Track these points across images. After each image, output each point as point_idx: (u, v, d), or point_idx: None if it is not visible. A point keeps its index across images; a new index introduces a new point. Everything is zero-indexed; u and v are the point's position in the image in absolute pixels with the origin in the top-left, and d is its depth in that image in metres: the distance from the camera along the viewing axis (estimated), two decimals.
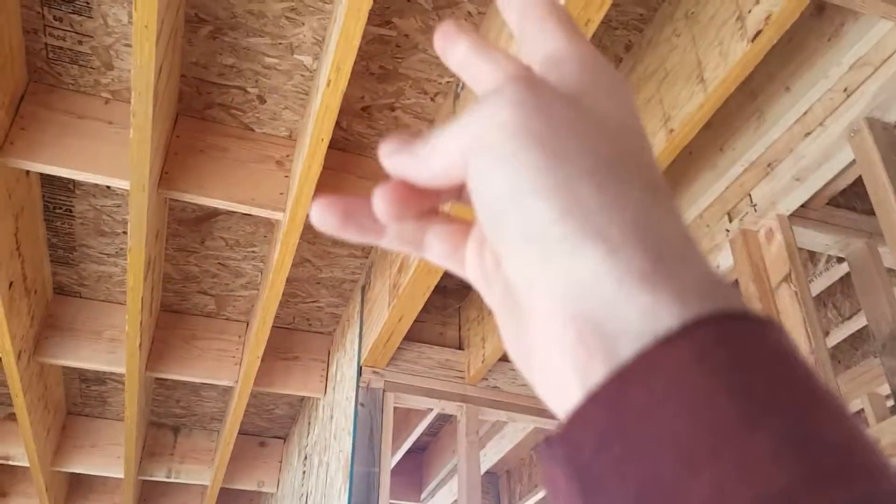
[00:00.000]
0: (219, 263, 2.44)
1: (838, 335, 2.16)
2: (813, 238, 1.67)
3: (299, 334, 2.83)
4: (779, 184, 1.56)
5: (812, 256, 1.89)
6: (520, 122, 0.26)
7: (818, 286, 1.95)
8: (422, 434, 3.25)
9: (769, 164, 1.58)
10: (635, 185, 0.25)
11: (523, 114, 0.26)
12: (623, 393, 0.22)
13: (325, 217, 0.31)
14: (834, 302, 2.13)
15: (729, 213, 1.65)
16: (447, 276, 2.47)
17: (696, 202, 1.69)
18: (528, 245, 0.25)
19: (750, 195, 1.61)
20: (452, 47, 0.32)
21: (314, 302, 2.65)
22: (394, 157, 0.29)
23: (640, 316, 0.23)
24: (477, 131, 0.26)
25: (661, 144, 1.43)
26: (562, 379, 0.24)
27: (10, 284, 2.03)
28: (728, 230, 1.65)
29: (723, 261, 1.68)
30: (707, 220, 1.72)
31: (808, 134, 1.53)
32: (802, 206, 1.62)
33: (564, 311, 0.24)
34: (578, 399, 0.23)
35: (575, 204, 0.24)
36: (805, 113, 1.53)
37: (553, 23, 0.30)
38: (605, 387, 0.22)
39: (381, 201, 0.29)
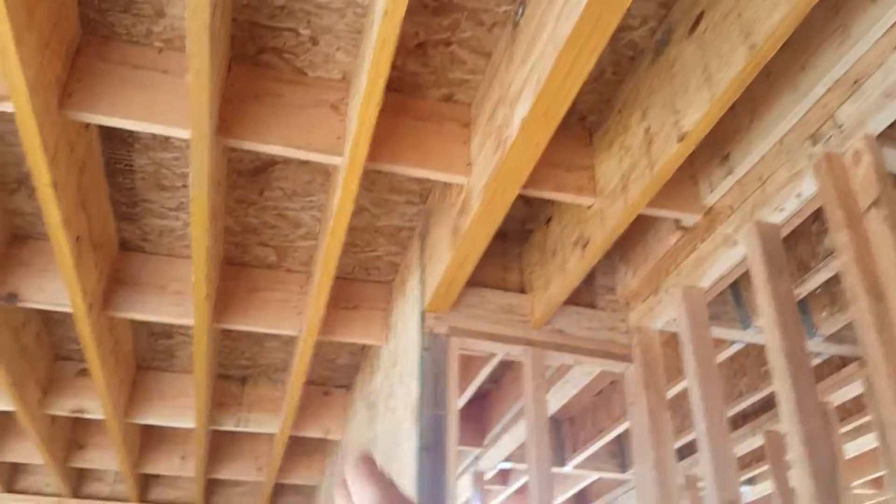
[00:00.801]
0: (277, 214, 2.43)
1: None
2: None
3: (358, 284, 2.82)
4: (866, 102, 1.46)
5: None
6: None
7: None
8: (483, 381, 3.25)
9: (855, 82, 1.48)
10: None
11: None
12: None
13: None
14: None
15: (812, 137, 1.56)
16: (507, 220, 2.42)
17: (777, 127, 1.60)
18: None
19: (834, 116, 1.51)
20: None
21: (372, 251, 2.63)
22: None
23: None
24: None
25: (741, 63, 1.34)
26: None
27: (77, 238, 2.05)
28: (811, 155, 1.56)
29: (806, 188, 1.59)
30: (788, 145, 1.62)
31: None
32: (891, 126, 1.52)
33: None
34: None
35: None
36: (893, 26, 1.42)
37: (372, 484, 0.46)
38: None
39: None
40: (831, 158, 1.51)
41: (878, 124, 1.46)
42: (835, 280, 2.33)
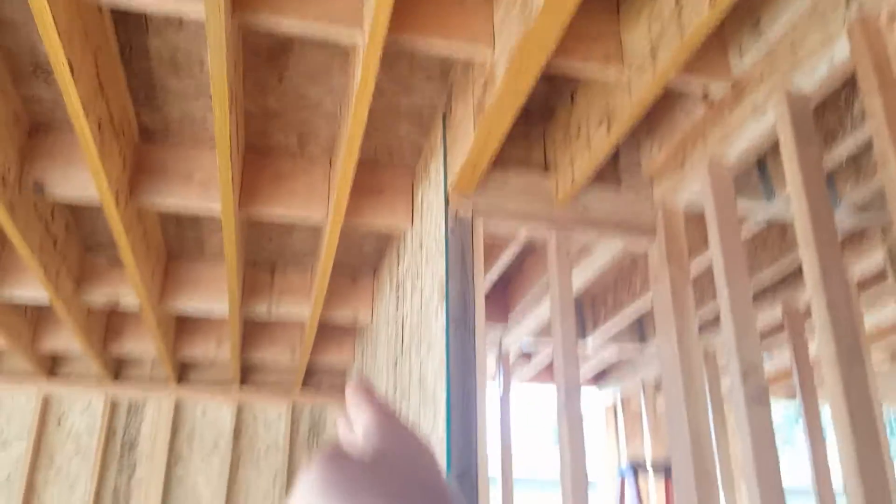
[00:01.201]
0: (297, 98, 2.41)
1: None
2: None
3: (381, 168, 2.82)
4: None
5: None
6: (324, 481, 0.37)
7: None
8: (506, 266, 3.29)
9: None
10: (415, 495, 0.37)
11: (325, 476, 0.37)
12: None
13: None
14: None
15: None
16: (530, 98, 2.38)
17: None
18: None
19: None
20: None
21: (394, 133, 2.62)
22: None
23: None
24: (301, 495, 0.37)
25: None
26: None
27: (99, 125, 2.06)
28: (845, 17, 1.50)
29: (838, 53, 1.54)
30: (821, 9, 1.56)
31: None
32: None
33: None
34: None
35: None
36: None
37: (366, 408, 0.45)
38: None
39: None
40: (865, 21, 1.46)
41: None
42: (861, 151, 2.29)
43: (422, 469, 0.40)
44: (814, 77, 1.63)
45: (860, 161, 2.31)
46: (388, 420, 0.44)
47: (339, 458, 0.38)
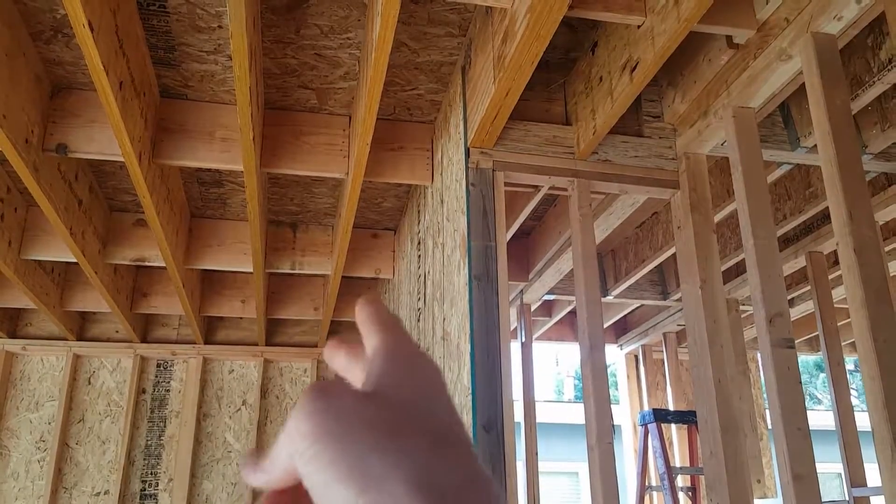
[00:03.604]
0: (315, 54, 2.40)
1: None
2: None
3: (401, 124, 2.82)
4: None
5: None
6: (315, 426, 0.31)
7: None
8: (527, 218, 3.29)
9: None
10: (420, 446, 0.31)
11: (317, 420, 0.32)
12: None
13: None
14: None
15: None
16: (550, 48, 2.36)
17: None
18: None
19: None
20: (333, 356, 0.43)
21: (413, 89, 2.61)
22: (248, 477, 0.35)
23: None
24: (290, 443, 0.32)
25: None
26: None
27: (121, 84, 2.07)
28: None
29: (849, 12, 1.51)
30: None
31: None
32: None
33: None
34: None
35: (367, 478, 0.29)
36: None
37: (376, 328, 0.39)
38: None
39: None
40: None
41: None
42: (886, 97, 2.26)
43: (433, 410, 0.34)
44: (840, 20, 1.60)
45: (886, 107, 2.27)
46: (398, 346, 0.38)
47: (331, 392, 0.33)
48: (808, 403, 15.71)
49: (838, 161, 1.55)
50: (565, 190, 2.36)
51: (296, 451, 0.32)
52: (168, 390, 4.76)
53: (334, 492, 0.30)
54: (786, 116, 2.32)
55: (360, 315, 0.41)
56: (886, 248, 3.17)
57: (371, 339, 0.39)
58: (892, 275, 3.49)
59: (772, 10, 1.76)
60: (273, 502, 0.35)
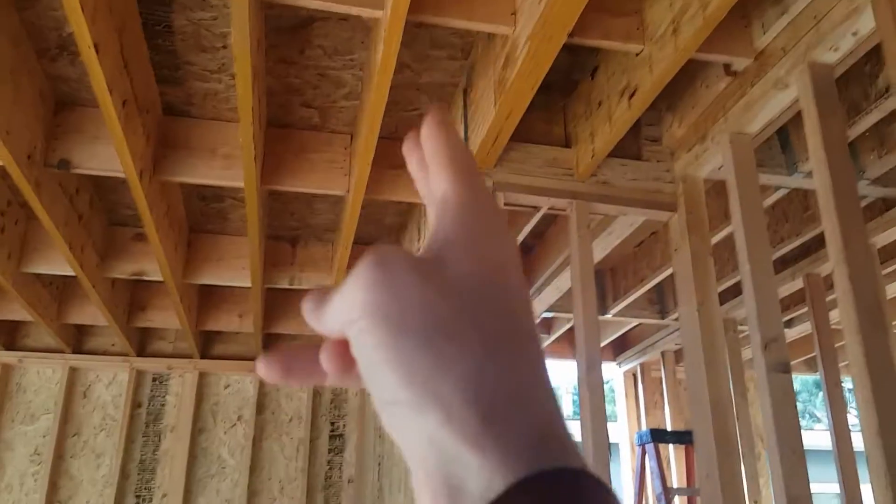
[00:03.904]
0: (318, 74, 2.43)
1: None
2: None
3: (402, 143, 2.84)
4: None
5: None
6: (370, 302, 0.29)
7: None
8: (527, 235, 3.31)
9: None
10: (474, 343, 0.28)
11: (372, 292, 0.29)
12: None
13: (269, 371, 0.35)
14: None
15: None
16: (551, 71, 2.38)
17: None
18: (388, 407, 0.28)
19: None
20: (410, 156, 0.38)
21: (415, 109, 2.63)
22: (308, 319, 0.33)
23: (475, 478, 0.25)
24: (345, 306, 0.30)
25: None
26: None
27: (124, 103, 2.09)
28: None
29: (863, 25, 1.54)
30: None
31: None
32: None
33: (420, 466, 0.27)
34: None
35: (415, 372, 0.27)
36: None
37: (448, 169, 0.34)
38: None
39: (325, 360, 0.32)
40: None
41: None
42: (884, 122, 2.28)
43: (499, 294, 0.30)
44: (837, 51, 1.63)
45: (883, 133, 2.30)
46: (474, 204, 0.33)
47: (392, 264, 0.30)
48: (807, 422, 15.72)
49: (834, 189, 1.57)
50: (564, 210, 2.38)
51: (347, 318, 0.30)
52: (163, 405, 4.76)
53: (378, 373, 0.28)
54: (784, 141, 2.34)
55: (430, 141, 0.35)
56: (885, 271, 3.19)
57: (441, 180, 0.34)
58: (890, 297, 3.52)
59: (769, 39, 1.79)
60: (331, 354, 0.33)
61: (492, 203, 0.34)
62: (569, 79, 2.43)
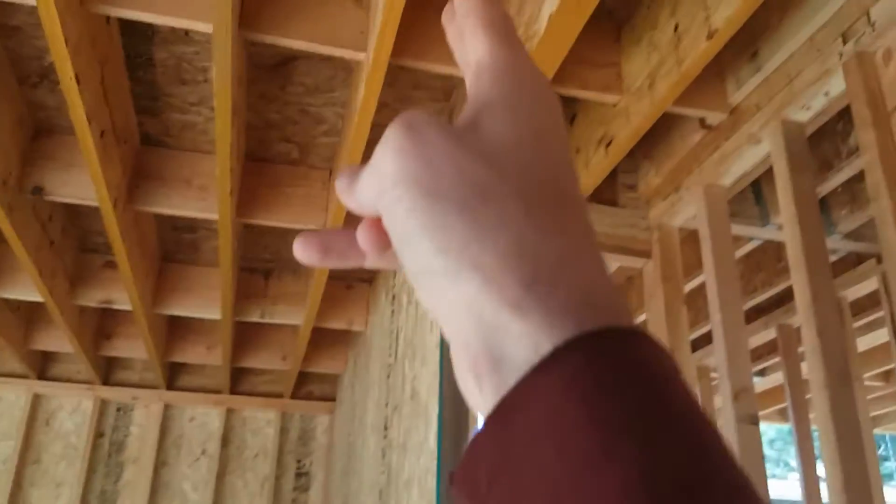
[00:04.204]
0: (299, 110, 2.43)
1: None
2: None
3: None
4: None
5: None
6: (400, 169, 0.27)
7: None
8: None
9: None
10: (513, 207, 0.26)
11: (403, 160, 0.28)
12: (506, 425, 0.23)
13: (306, 252, 0.34)
14: None
15: (843, 35, 1.53)
16: None
17: (809, 23, 1.57)
18: (422, 278, 0.27)
19: (868, 13, 1.48)
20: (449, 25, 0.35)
21: None
22: (341, 196, 0.32)
23: (516, 343, 0.24)
24: (375, 177, 0.29)
25: None
26: (478, 403, 0.25)
27: (102, 133, 2.08)
28: (841, 53, 1.54)
29: (834, 86, 1.58)
30: (818, 43, 1.60)
31: None
32: None
33: (457, 337, 0.26)
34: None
35: (451, 238, 0.26)
36: None
37: (483, 31, 0.31)
38: (491, 419, 0.23)
39: (362, 237, 0.32)
40: (862, 57, 1.49)
41: None
42: (856, 179, 2.33)
43: (540, 157, 0.28)
44: (809, 109, 1.67)
45: (855, 189, 2.34)
46: (513, 66, 0.31)
47: (423, 129, 0.28)
48: (782, 471, 15.77)
49: (803, 244, 1.59)
50: None
51: (379, 189, 0.29)
52: (127, 435, 4.66)
53: (411, 243, 0.27)
54: (757, 193, 2.38)
55: (464, 6, 0.33)
56: (856, 325, 3.24)
57: (478, 45, 0.32)
58: (863, 350, 3.56)
59: (744, 95, 1.83)
60: (368, 231, 0.32)
61: (531, 65, 0.31)
62: None
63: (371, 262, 0.34)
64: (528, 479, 0.22)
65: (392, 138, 0.29)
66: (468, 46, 0.32)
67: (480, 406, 0.25)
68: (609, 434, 0.21)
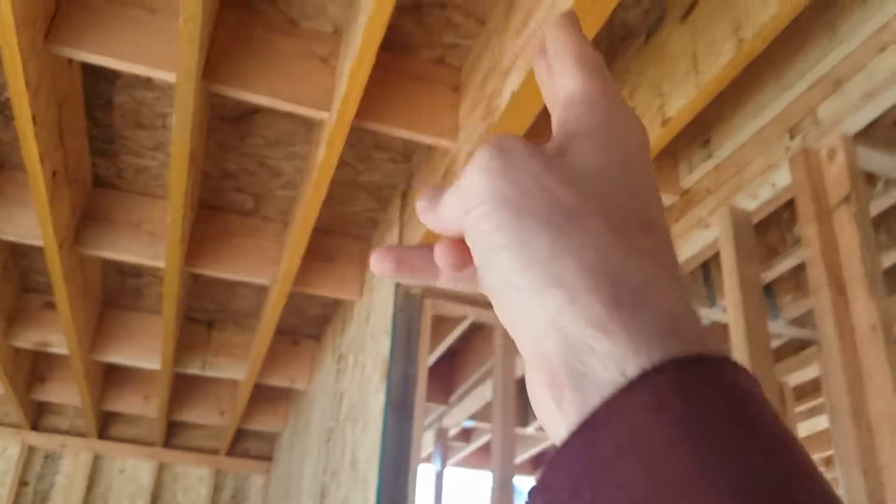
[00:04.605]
0: (258, 162, 2.43)
1: (889, 260, 2.13)
2: (876, 160, 1.61)
3: (336, 237, 2.83)
4: (846, 101, 1.50)
5: (870, 178, 1.83)
6: (489, 188, 0.28)
7: (873, 208, 1.90)
8: (454, 341, 3.30)
9: (838, 81, 1.51)
10: (599, 230, 0.27)
11: (492, 179, 0.28)
12: (591, 442, 0.23)
13: (381, 263, 0.35)
14: (888, 226, 2.08)
15: (791, 130, 1.60)
16: None
17: (758, 116, 1.63)
18: (504, 293, 0.28)
19: (815, 112, 1.55)
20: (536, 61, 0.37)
21: (352, 206, 2.64)
22: (422, 216, 0.33)
23: (601, 363, 0.24)
24: (462, 196, 0.30)
25: (730, 54, 1.37)
26: (552, 419, 0.26)
27: (54, 174, 2.03)
28: (788, 147, 1.60)
29: (780, 179, 1.63)
30: (767, 136, 1.66)
31: (882, 50, 1.45)
32: (868, 125, 1.56)
33: (535, 353, 0.26)
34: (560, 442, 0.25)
35: (535, 254, 0.26)
36: (881, 28, 1.45)
37: (576, 67, 0.33)
38: (576, 435, 0.24)
39: (440, 255, 0.32)
40: (807, 153, 1.55)
41: (856, 123, 1.51)
42: (802, 266, 2.40)
43: (628, 185, 0.29)
44: (756, 199, 1.72)
45: (800, 277, 2.41)
46: (602, 98, 0.32)
47: (513, 151, 0.29)
48: None
49: (746, 330, 1.62)
50: (491, 322, 2.39)
51: (465, 207, 0.30)
52: (52, 485, 4.45)
53: (495, 259, 0.28)
54: (706, 274, 2.43)
55: (556, 42, 0.34)
56: (798, 409, 3.28)
57: (569, 79, 0.33)
58: (805, 435, 3.61)
59: (695, 179, 1.88)
60: (446, 249, 0.33)
61: (621, 100, 0.32)
62: None
63: (444, 280, 0.35)
64: (612, 495, 0.22)
65: (482, 159, 0.30)
66: (558, 81, 0.34)
67: (556, 422, 0.26)
68: (703, 456, 0.21)
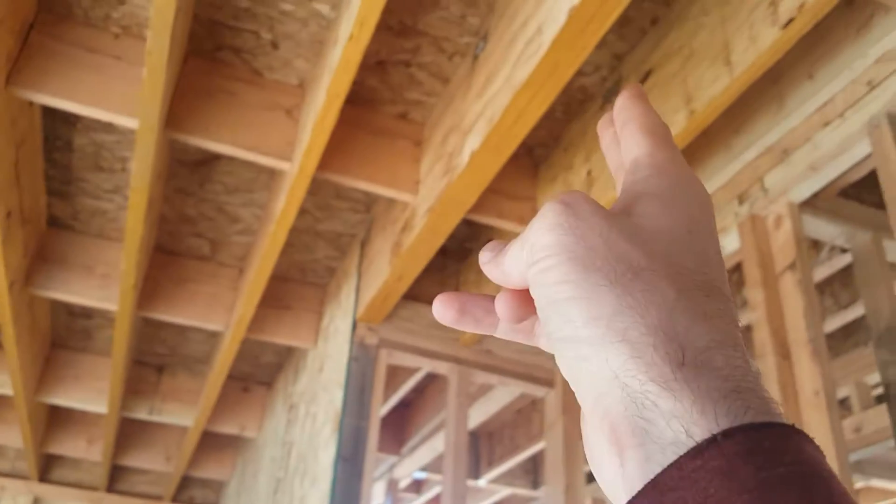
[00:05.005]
0: (216, 207, 2.42)
1: (832, 324, 2.19)
2: (820, 228, 1.68)
3: (292, 284, 2.82)
4: (793, 171, 1.56)
5: (815, 244, 1.90)
6: (556, 241, 0.29)
7: (818, 274, 1.97)
8: (407, 391, 3.28)
9: (785, 151, 1.58)
10: (664, 290, 0.27)
11: (558, 234, 0.29)
12: (659, 503, 0.23)
13: (444, 311, 0.35)
14: (832, 291, 2.15)
15: (739, 197, 1.65)
16: (448, 237, 2.47)
17: (708, 182, 1.69)
18: (567, 346, 0.28)
19: (762, 180, 1.61)
20: (604, 132, 0.39)
21: (310, 253, 2.64)
22: (485, 268, 0.34)
23: (666, 422, 0.24)
24: (528, 249, 0.30)
25: (682, 124, 1.42)
26: (610, 474, 0.26)
27: (8, 214, 2.00)
28: (737, 213, 1.65)
29: (729, 243, 1.68)
30: (717, 201, 1.71)
31: (827, 124, 1.52)
32: (813, 195, 1.62)
33: (595, 406, 0.27)
34: (622, 500, 0.25)
35: (600, 309, 0.27)
36: (826, 103, 1.53)
37: (643, 135, 0.34)
38: (643, 494, 0.24)
39: (501, 305, 0.33)
40: (755, 219, 1.61)
41: (802, 192, 1.57)
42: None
43: (692, 249, 0.29)
44: None
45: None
46: (667, 164, 0.33)
47: (580, 208, 0.30)
48: None
49: None
50: (446, 374, 2.39)
51: (530, 260, 0.30)
52: None
53: (559, 311, 0.28)
54: None
55: (623, 113, 0.36)
56: None
57: (636, 146, 0.34)
58: None
59: None
60: (507, 300, 0.33)
61: (686, 166, 0.33)
62: (463, 246, 2.51)
63: (503, 331, 0.36)
64: None
65: (549, 215, 0.30)
66: (625, 149, 0.35)
67: (616, 475, 0.26)
68: None
